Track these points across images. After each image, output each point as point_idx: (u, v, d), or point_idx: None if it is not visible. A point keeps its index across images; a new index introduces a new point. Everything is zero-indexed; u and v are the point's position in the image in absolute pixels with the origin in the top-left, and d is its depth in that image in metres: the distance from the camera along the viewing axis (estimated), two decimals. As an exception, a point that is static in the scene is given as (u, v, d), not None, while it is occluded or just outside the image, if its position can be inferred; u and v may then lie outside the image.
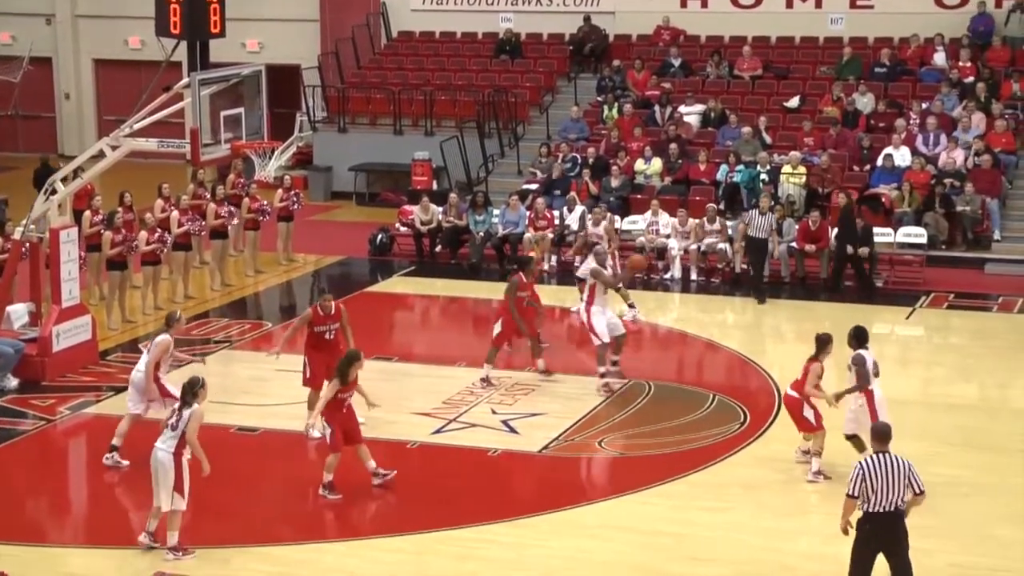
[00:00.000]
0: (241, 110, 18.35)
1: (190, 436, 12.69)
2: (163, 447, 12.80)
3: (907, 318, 21.58)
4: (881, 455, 10.92)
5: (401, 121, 30.54)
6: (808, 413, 14.35)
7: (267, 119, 19.16)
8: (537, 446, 15.57)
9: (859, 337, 14.09)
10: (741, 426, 16.22)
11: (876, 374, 14.10)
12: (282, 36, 34.06)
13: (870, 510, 10.85)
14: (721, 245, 23.66)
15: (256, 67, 19.16)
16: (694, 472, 14.67)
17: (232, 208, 23.36)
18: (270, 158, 18.54)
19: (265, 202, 23.97)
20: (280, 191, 24.54)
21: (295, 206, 24.66)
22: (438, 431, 16.02)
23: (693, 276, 23.67)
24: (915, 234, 24.14)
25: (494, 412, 16.60)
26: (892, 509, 10.83)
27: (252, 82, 18.69)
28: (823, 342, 14.43)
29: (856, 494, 10.84)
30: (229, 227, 23.32)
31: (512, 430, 16.04)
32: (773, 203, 23.32)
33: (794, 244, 23.46)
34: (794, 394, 14.49)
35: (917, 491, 10.93)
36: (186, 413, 12.79)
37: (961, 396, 17.93)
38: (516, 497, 14.51)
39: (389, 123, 30.64)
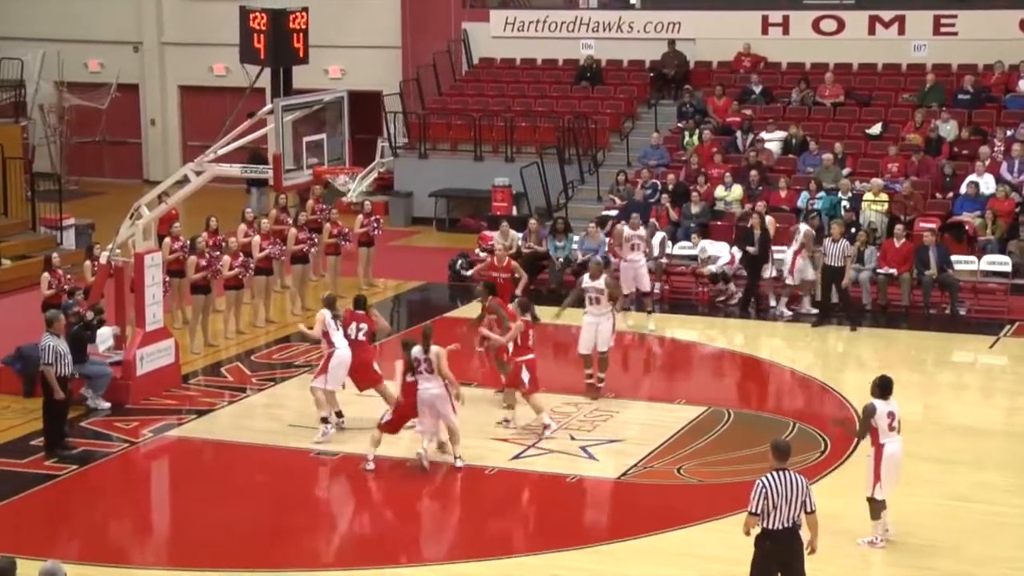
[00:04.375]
0: (323, 136, 18.52)
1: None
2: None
3: (990, 347, 21.28)
4: (781, 472, 11.04)
5: (481, 147, 30.66)
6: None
7: (349, 145, 19.31)
8: (615, 473, 15.52)
9: (881, 387, 13.61)
10: (821, 455, 16.07)
11: (893, 428, 13.41)
12: (364, 62, 34.35)
13: (769, 527, 11.00)
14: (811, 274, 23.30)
15: (338, 93, 19.34)
16: (773, 501, 14.50)
17: (313, 233, 23.56)
18: (352, 182, 18.66)
19: (346, 228, 24.14)
20: (361, 216, 24.71)
21: (376, 231, 24.82)
22: (517, 457, 16.02)
23: (773, 303, 23.49)
24: (999, 262, 23.81)
25: (572, 438, 16.57)
26: (790, 525, 11.02)
27: (334, 108, 18.86)
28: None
29: (758, 511, 10.98)
30: (310, 252, 23.51)
31: (591, 456, 16.00)
32: (848, 230, 23.16)
33: (878, 271, 23.23)
34: None
35: (809, 510, 11.10)
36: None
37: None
38: (593, 524, 14.47)
39: (469, 149, 30.76)
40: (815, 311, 22.60)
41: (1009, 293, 23.34)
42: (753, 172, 26.58)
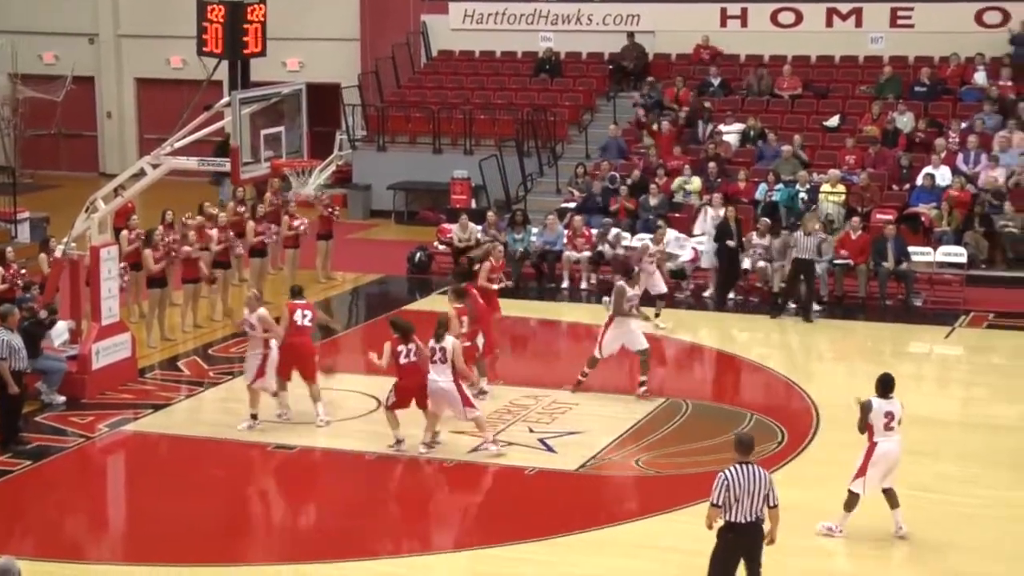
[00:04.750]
0: (281, 129, 18.44)
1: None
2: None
3: (946, 337, 21.43)
4: (744, 465, 11.07)
5: (440, 140, 30.62)
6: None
7: (307, 138, 19.23)
8: (574, 465, 15.54)
9: (882, 385, 13.57)
10: (779, 445, 16.15)
11: (890, 428, 13.37)
12: (322, 55, 34.24)
13: (732, 519, 11.06)
14: (762, 264, 23.52)
15: (296, 86, 19.25)
16: (731, 492, 14.56)
17: (272, 226, 23.48)
18: (309, 176, 18.59)
19: (304, 220, 24.05)
20: (320, 208, 24.64)
21: (333, 214, 24.78)
22: (475, 450, 16.01)
23: (731, 294, 23.62)
24: (954, 253, 23.98)
25: (531, 431, 16.58)
26: (753, 519, 11.07)
27: (292, 101, 18.77)
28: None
29: (720, 503, 11.04)
30: (269, 245, 23.43)
31: (549, 448, 16.02)
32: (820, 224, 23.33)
33: (834, 262, 23.36)
34: None
35: (771, 504, 11.14)
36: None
37: (1001, 416, 17.76)
38: (552, 516, 14.48)
39: (428, 142, 30.72)
40: (818, 307, 22.57)
41: (964, 284, 23.52)
42: (712, 164, 26.67)
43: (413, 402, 15.74)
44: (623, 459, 15.72)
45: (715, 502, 11.09)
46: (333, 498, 14.97)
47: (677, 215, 25.72)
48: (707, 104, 29.23)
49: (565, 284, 24.56)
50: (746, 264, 23.75)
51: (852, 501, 13.43)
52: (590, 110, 31.08)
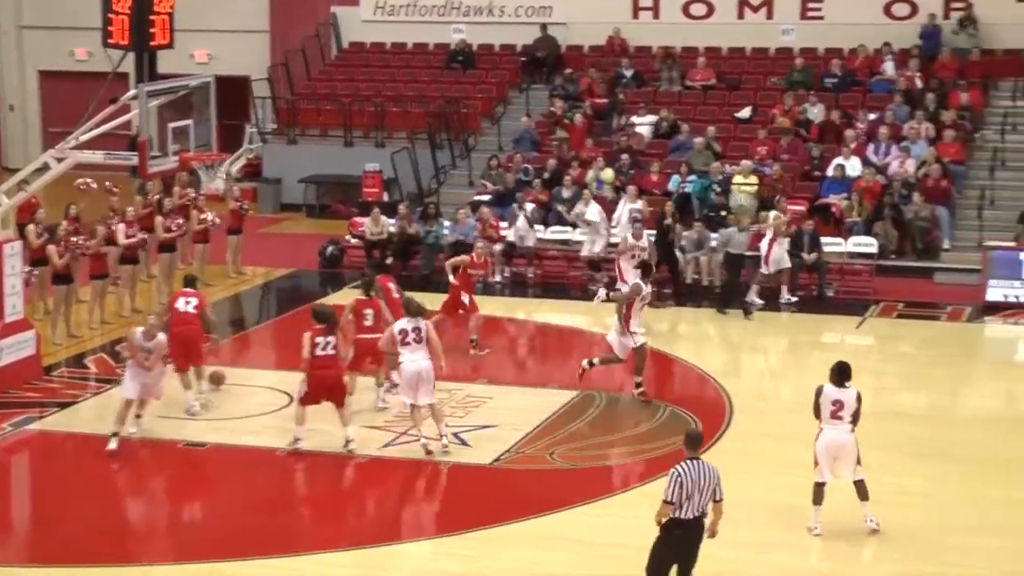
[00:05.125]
0: (190, 122, 18.25)
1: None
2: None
3: (857, 327, 21.71)
4: (694, 461, 11.02)
5: (351, 132, 30.48)
6: None
7: (216, 131, 19.06)
8: (488, 458, 15.54)
9: (834, 373, 13.47)
10: (692, 437, 16.22)
11: (837, 417, 13.27)
12: (231, 47, 33.94)
13: (682, 516, 10.96)
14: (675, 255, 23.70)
15: (205, 78, 19.06)
16: (646, 483, 14.66)
17: (180, 221, 23.23)
18: (218, 170, 18.44)
19: (213, 214, 23.83)
20: (230, 202, 24.42)
21: (243, 208, 24.59)
22: (388, 445, 15.96)
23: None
24: (865, 244, 24.30)
25: (446, 425, 16.54)
26: (699, 514, 11.03)
27: (200, 93, 18.59)
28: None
29: (674, 500, 10.92)
30: (178, 240, 23.20)
31: (463, 443, 16.00)
32: (717, 213, 23.51)
33: (747, 253, 23.53)
34: None
35: (717, 499, 11.08)
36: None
37: (910, 405, 18.05)
38: (467, 510, 14.47)
39: (339, 135, 30.57)
40: (794, 299, 22.69)
41: (875, 274, 23.84)
42: (624, 156, 26.79)
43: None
44: (537, 452, 15.74)
45: (669, 499, 10.91)
46: (244, 495, 14.83)
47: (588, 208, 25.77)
48: (620, 96, 29.35)
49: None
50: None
51: (815, 492, 13.46)
52: (503, 102, 31.09)
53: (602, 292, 21.31)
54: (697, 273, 23.80)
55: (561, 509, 14.17)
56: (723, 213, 24.58)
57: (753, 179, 25.82)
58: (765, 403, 18.03)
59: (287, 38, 33.13)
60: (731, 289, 22.42)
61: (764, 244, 22.85)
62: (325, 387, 15.43)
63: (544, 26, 31.42)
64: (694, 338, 21.58)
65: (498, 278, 24.46)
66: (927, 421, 17.25)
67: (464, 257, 20.25)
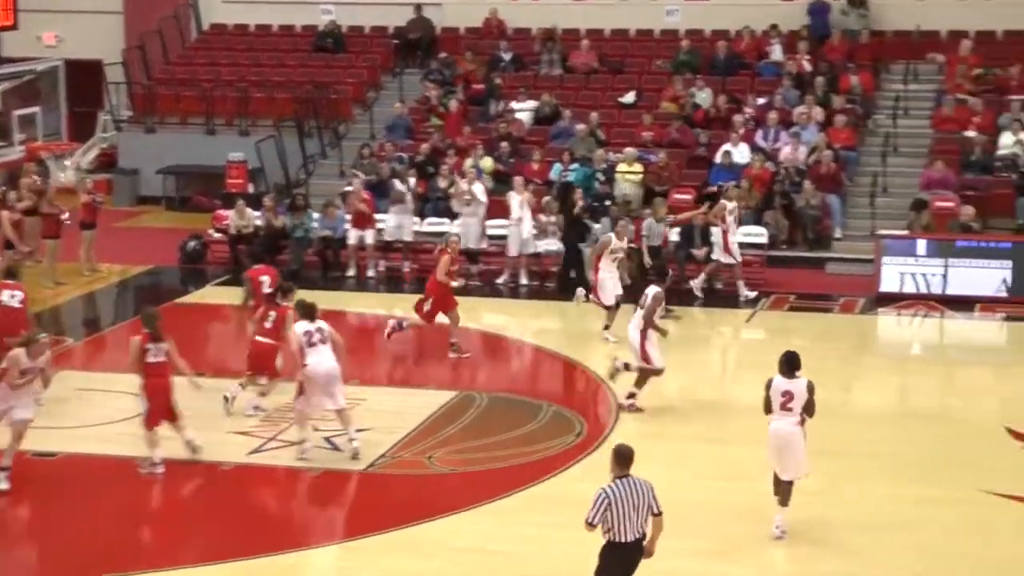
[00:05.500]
0: (37, 109, 17.92)
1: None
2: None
3: (747, 321, 21.95)
4: (624, 480, 10.75)
5: (214, 120, 30.14)
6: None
7: (66, 119, 18.72)
8: (362, 464, 15.45)
9: (783, 363, 13.52)
10: (577, 437, 16.31)
11: (787, 408, 13.28)
12: (82, 29, 33.23)
13: (617, 540, 10.70)
14: (556, 247, 23.81)
15: (53, 62, 18.74)
16: (528, 487, 14.70)
17: (26, 216, 22.81)
18: (68, 160, 18.13)
19: (64, 209, 23.44)
20: (83, 195, 24.01)
21: (96, 201, 24.21)
22: (255, 451, 15.80)
23: (524, 281, 23.86)
24: (755, 233, 24.58)
25: (316, 429, 16.40)
26: (640, 535, 10.76)
27: (48, 79, 18.31)
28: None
29: (596, 522, 10.67)
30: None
31: (335, 447, 15.89)
32: (602, 203, 23.64)
33: (632, 245, 23.68)
34: None
35: (655, 512, 10.81)
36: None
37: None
38: (341, 519, 14.39)
39: (201, 122, 30.20)
40: (752, 294, 22.72)
41: (765, 265, 24.11)
42: (503, 143, 26.82)
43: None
44: (414, 456, 15.69)
45: (590, 520, 10.66)
46: (102, 508, 14.57)
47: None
48: (498, 80, 29.37)
49: (351, 272, 24.46)
50: (543, 247, 24.02)
51: (778, 490, 13.51)
52: (375, 87, 30.96)
53: (580, 292, 20.83)
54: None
55: (440, 516, 14.14)
56: (607, 203, 24.71)
57: (638, 167, 26.00)
58: (652, 402, 18.15)
59: (143, 19, 32.58)
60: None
61: (718, 234, 23.08)
62: (162, 397, 15.17)
63: (418, 7, 31.34)
64: (576, 333, 21.64)
65: (371, 273, 24.36)
66: (823, 417, 17.25)
67: (447, 257, 19.59)
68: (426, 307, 19.51)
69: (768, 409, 13.46)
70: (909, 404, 18.58)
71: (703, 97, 28.28)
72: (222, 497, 14.93)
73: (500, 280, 24.10)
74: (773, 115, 27.12)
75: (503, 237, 24.33)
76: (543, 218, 24.12)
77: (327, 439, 16.04)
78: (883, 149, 26.91)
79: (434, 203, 25.58)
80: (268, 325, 16.79)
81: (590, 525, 10.69)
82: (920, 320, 22.28)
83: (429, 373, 19.01)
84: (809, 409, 13.35)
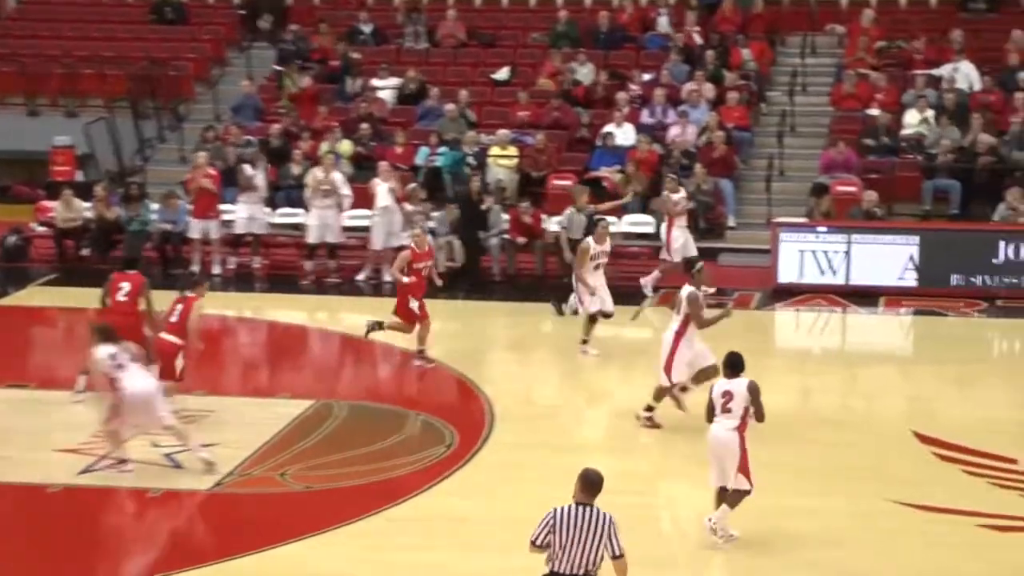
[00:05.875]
0: None
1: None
2: None
3: (632, 319, 22.02)
4: (581, 508, 10.55)
5: (36, 100, 29.73)
6: None
7: None
8: (208, 483, 15.28)
9: (726, 365, 13.70)
10: (448, 449, 16.27)
11: (727, 410, 13.41)
12: None
13: (557, 570, 10.52)
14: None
15: None
16: (393, 505, 14.62)
17: None
18: None
19: None
20: None
21: None
22: (86, 471, 15.56)
23: (388, 277, 23.80)
24: (641, 222, 24.74)
25: (156, 445, 16.20)
26: (582, 573, 10.47)
27: None
28: None
29: (540, 543, 10.49)
30: None
31: (177, 465, 15.71)
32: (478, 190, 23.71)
33: (506, 236, 23.79)
34: None
35: (614, 555, 10.48)
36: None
37: (699, 407, 18.32)
38: (184, 544, 14.20)
39: (20, 102, 29.78)
40: (651, 293, 22.62)
41: (653, 256, 24.26)
42: (364, 125, 26.73)
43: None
44: (266, 473, 15.55)
45: (533, 539, 10.46)
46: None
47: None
48: (356, 55, 29.28)
49: (195, 269, 24.24)
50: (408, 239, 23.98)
51: (718, 495, 13.56)
52: (220, 63, 30.73)
53: (574, 301, 20.42)
54: (451, 260, 23.87)
55: (295, 539, 14.01)
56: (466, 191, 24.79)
57: (513, 150, 26.06)
58: (531, 409, 18.20)
59: (-48, -13, 32.11)
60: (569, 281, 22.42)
61: (663, 229, 23.17)
62: None
63: (267, -26, 31.20)
64: (448, 335, 21.64)
65: (218, 270, 24.16)
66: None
67: (405, 253, 19.44)
68: (413, 304, 19.26)
69: (710, 416, 13.62)
70: (810, 407, 18.79)
71: (584, 73, 28.42)
72: (48, 523, 14.68)
73: (360, 276, 24.03)
74: (660, 92, 27.33)
75: (364, 229, 24.25)
76: (409, 207, 24.09)
77: (167, 455, 15.85)
78: (779, 129, 27.25)
79: (286, 192, 25.41)
80: (174, 319, 16.66)
81: (533, 545, 10.52)
82: (821, 315, 22.59)
83: (283, 381, 18.86)
84: (757, 414, 13.56)
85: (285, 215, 25.17)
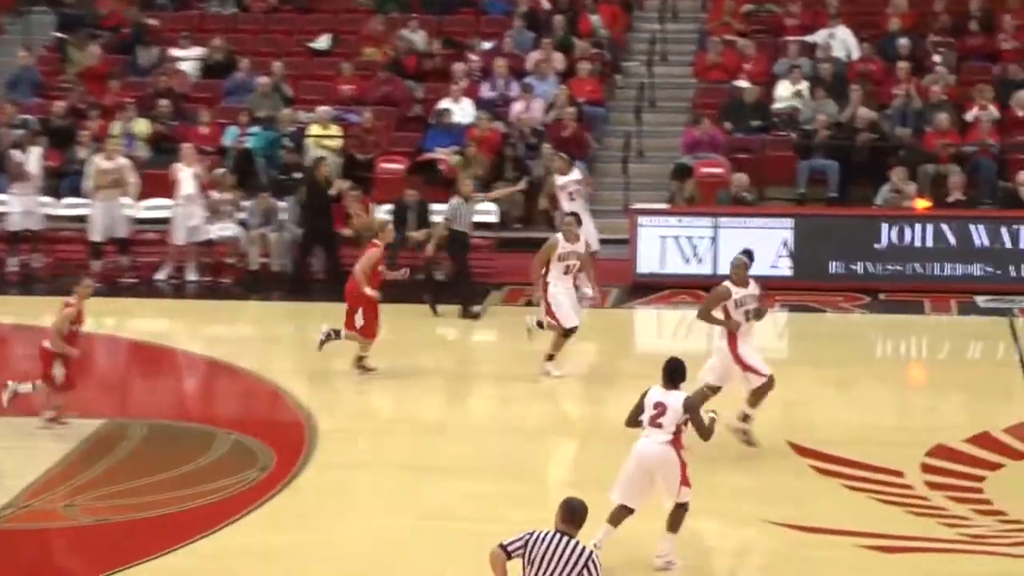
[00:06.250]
0: None
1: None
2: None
3: (474, 320, 21.95)
4: (560, 536, 10.50)
5: None
6: None
7: None
8: (-21, 518, 14.95)
9: (665, 372, 13.56)
10: (261, 472, 16.06)
11: (656, 424, 13.32)
12: None
13: None
14: (233, 232, 23.57)
15: None
16: (198, 539, 14.37)
17: None
18: None
19: None
20: None
21: None
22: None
23: (192, 276, 23.56)
24: (482, 211, 24.68)
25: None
26: None
27: None
28: None
29: (510, 550, 10.52)
30: None
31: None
32: (290, 175, 23.64)
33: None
34: None
35: None
36: None
37: (533, 419, 18.33)
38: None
39: None
40: (591, 293, 21.98)
41: (496, 249, 24.22)
42: (163, 101, 26.42)
43: None
44: (48, 505, 15.22)
45: (506, 544, 10.45)
46: None
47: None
48: (151, 21, 28.94)
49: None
50: (215, 232, 23.78)
51: (618, 513, 13.38)
52: (-8, 31, 30.23)
53: (531, 321, 19.70)
54: (265, 255, 23.65)
55: (84, 582, 13.81)
56: (297, 175, 24.56)
57: (336, 130, 25.90)
58: (361, 423, 18.07)
59: None
60: (465, 279, 22.27)
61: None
62: None
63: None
64: (255, 339, 21.52)
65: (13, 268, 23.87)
66: (549, 436, 17.63)
67: (374, 252, 18.79)
68: (358, 320, 18.83)
69: (632, 421, 13.60)
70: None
71: (416, 41, 28.29)
72: None
73: (160, 275, 23.70)
74: (502, 63, 27.31)
75: (164, 221, 23.96)
76: (216, 196, 23.83)
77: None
78: (637, 104, 27.37)
79: (72, 179, 24.98)
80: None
81: (503, 548, 10.47)
82: (686, 315, 22.65)
83: (69, 397, 18.40)
84: (700, 431, 13.64)
85: (71, 206, 24.74)
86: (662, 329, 23.08)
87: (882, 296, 23.51)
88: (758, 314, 16.53)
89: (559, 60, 27.56)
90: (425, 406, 18.96)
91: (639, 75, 28.22)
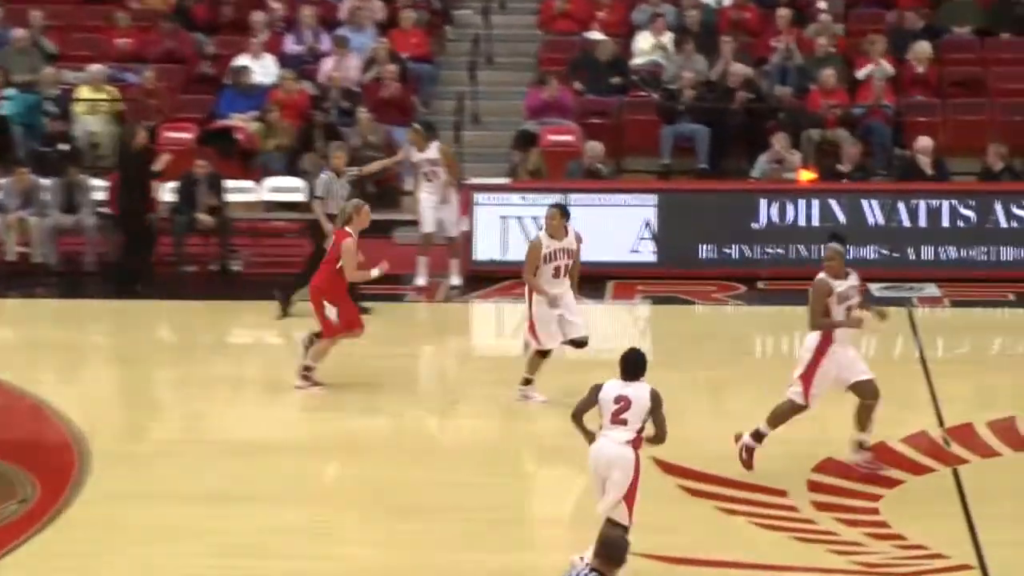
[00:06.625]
0: None
1: None
2: None
3: (280, 318, 21.85)
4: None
5: None
6: None
7: None
8: None
9: (623, 364, 13.62)
10: (21, 505, 15.86)
11: (618, 422, 13.55)
12: None
13: None
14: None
15: None
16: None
17: None
18: None
19: None
20: None
21: None
22: None
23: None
24: (288, 188, 24.62)
25: None
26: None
27: None
28: None
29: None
30: None
31: None
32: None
33: (104, 211, 23.55)
34: None
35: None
36: None
37: (370, 433, 18.33)
38: None
39: None
40: (457, 283, 22.60)
41: (305, 234, 24.09)
42: None
43: None
44: None
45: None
46: None
47: None
48: None
49: None
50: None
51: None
52: None
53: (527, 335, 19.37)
54: (25, 244, 23.43)
55: None
56: (64, 147, 24.37)
57: (111, 92, 25.69)
58: (142, 446, 17.93)
59: None
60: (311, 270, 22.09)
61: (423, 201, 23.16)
62: None
63: None
64: (43, 346, 21.28)
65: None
66: (386, 455, 17.62)
67: (349, 242, 18.72)
68: (331, 315, 18.71)
69: (579, 416, 13.80)
70: (521, 432, 18.83)
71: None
72: None
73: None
74: (309, 12, 27.23)
75: None
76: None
77: None
78: (471, 60, 27.40)
79: None
80: None
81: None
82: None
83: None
84: (659, 429, 13.79)
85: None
86: (502, 326, 23.12)
87: (761, 284, 23.73)
88: (881, 315, 16.59)
89: (378, 8, 27.60)
90: (216, 423, 18.87)
91: (474, 26, 28.30)
